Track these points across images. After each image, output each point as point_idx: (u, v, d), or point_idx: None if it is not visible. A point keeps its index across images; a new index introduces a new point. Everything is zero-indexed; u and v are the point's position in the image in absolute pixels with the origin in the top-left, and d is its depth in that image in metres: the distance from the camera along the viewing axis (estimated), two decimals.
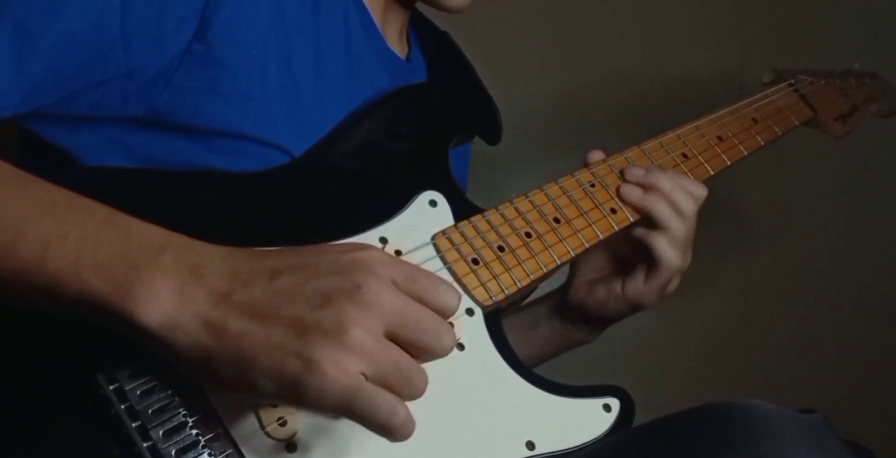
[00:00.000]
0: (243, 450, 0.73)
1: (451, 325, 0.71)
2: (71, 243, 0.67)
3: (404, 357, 0.67)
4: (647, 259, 1.02)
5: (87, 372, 0.71)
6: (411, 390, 0.67)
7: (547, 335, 1.11)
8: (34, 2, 0.75)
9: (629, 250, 1.06)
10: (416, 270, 0.70)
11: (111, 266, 0.66)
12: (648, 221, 1.01)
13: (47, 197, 0.70)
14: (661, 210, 1.00)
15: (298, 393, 0.65)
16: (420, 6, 1.06)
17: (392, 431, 0.66)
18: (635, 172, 1.02)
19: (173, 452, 0.71)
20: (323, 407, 0.65)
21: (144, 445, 0.70)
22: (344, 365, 0.64)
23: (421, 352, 0.68)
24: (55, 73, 0.78)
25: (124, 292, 0.66)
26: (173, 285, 0.66)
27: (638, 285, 1.04)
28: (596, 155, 1.04)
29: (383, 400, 0.65)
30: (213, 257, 0.68)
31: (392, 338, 0.67)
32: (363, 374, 0.65)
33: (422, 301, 0.69)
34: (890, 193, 1.94)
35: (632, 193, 1.01)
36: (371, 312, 0.65)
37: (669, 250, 1.00)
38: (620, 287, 1.05)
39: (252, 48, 0.84)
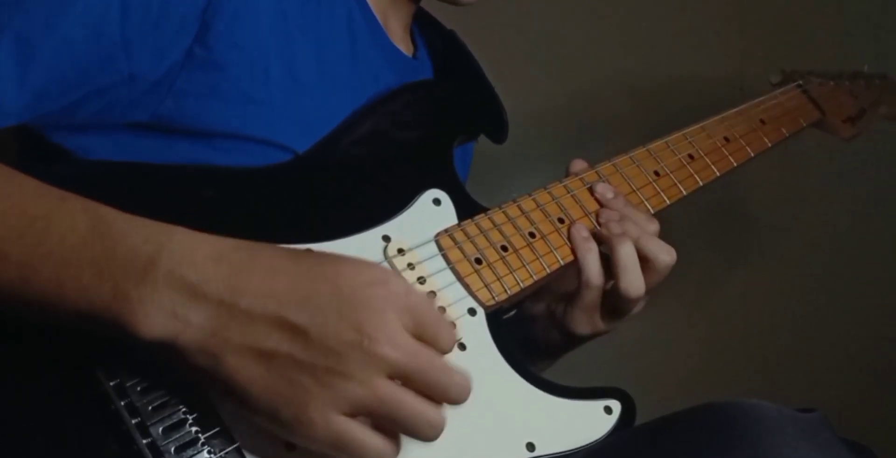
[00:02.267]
0: (242, 447, 0.73)
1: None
2: (52, 265, 0.66)
3: (408, 398, 0.67)
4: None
5: (87, 368, 0.71)
6: (424, 423, 0.68)
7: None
8: (35, 14, 0.75)
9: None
10: (425, 313, 0.69)
11: (96, 287, 0.65)
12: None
13: (29, 209, 0.68)
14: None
15: (289, 434, 0.67)
16: (427, 5, 1.06)
17: None
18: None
19: (172, 449, 0.71)
20: (315, 448, 0.67)
21: (144, 442, 0.70)
22: (333, 418, 0.65)
23: (429, 394, 0.69)
24: (58, 80, 0.77)
25: (115, 311, 0.65)
26: (166, 306, 0.65)
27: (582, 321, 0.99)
28: (579, 164, 1.01)
29: (372, 446, 0.67)
30: (215, 274, 0.66)
31: (402, 381, 0.67)
32: (365, 414, 0.66)
33: (425, 343, 0.69)
34: (890, 196, 1.94)
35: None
36: (370, 366, 0.66)
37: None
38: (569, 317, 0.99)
39: (254, 50, 0.83)
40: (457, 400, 0.71)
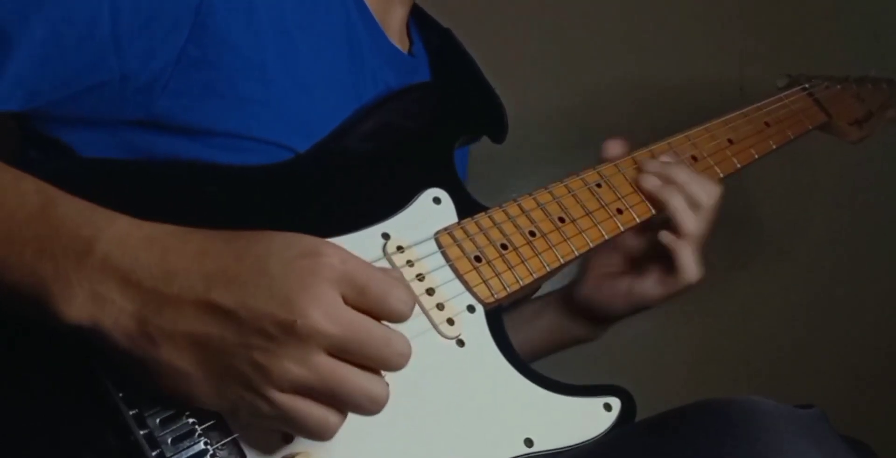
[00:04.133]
0: (240, 439, 0.73)
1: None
2: None
3: (349, 377, 0.67)
4: (663, 263, 1.02)
5: (83, 360, 0.71)
6: (365, 399, 0.67)
7: (548, 326, 1.11)
8: (9, 5, 0.76)
9: (645, 250, 1.06)
10: (367, 279, 0.67)
11: (37, 266, 0.66)
12: (667, 224, 1.01)
13: None
14: (676, 204, 1.00)
15: (234, 415, 0.69)
16: (423, 4, 1.06)
17: (324, 441, 0.69)
18: (653, 164, 1.03)
19: (169, 440, 0.71)
20: (257, 426, 0.70)
21: (141, 432, 0.70)
22: (275, 396, 0.65)
23: (371, 368, 0.68)
24: (48, 77, 0.78)
25: (46, 292, 0.65)
26: (96, 292, 0.65)
27: (647, 288, 1.04)
28: (614, 146, 1.05)
29: (314, 420, 0.67)
30: (147, 263, 0.66)
31: (340, 357, 0.67)
32: (303, 390, 0.66)
33: (372, 314, 0.68)
34: (890, 196, 1.93)
35: (650, 181, 1.02)
36: (306, 344, 0.65)
37: (693, 262, 1.00)
38: (627, 287, 1.05)
39: (249, 49, 0.84)
40: (397, 368, 0.69)
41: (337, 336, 0.65)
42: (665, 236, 1.01)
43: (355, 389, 0.67)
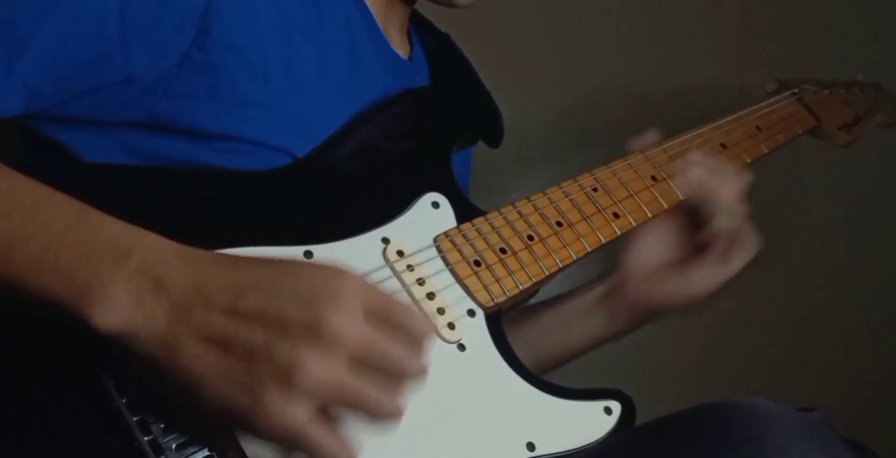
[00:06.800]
0: (243, 445, 0.72)
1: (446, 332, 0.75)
2: (35, 245, 0.67)
3: (368, 388, 0.67)
4: (705, 253, 1.04)
5: (88, 365, 0.71)
6: (382, 413, 0.68)
7: (595, 327, 1.08)
8: (23, 4, 0.76)
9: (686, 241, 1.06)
10: (390, 301, 0.70)
11: (74, 270, 0.66)
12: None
13: (16, 195, 0.70)
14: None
15: (244, 427, 0.66)
16: (422, 7, 1.07)
17: None
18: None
19: (174, 446, 0.71)
20: (268, 441, 0.67)
21: (145, 439, 0.70)
22: (289, 408, 0.64)
23: (391, 380, 0.69)
24: (53, 77, 0.78)
25: (82, 297, 0.66)
26: (132, 294, 0.66)
27: (703, 279, 1.05)
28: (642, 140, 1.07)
29: (326, 443, 0.66)
30: (180, 269, 0.68)
31: (360, 367, 0.67)
32: (323, 404, 0.66)
33: (395, 331, 0.69)
34: (890, 197, 1.95)
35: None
36: (328, 349, 0.65)
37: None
38: (683, 281, 1.05)
39: (252, 52, 0.84)
40: (410, 375, 0.70)
41: (359, 344, 0.66)
42: (720, 220, 1.02)
43: (377, 400, 0.67)
